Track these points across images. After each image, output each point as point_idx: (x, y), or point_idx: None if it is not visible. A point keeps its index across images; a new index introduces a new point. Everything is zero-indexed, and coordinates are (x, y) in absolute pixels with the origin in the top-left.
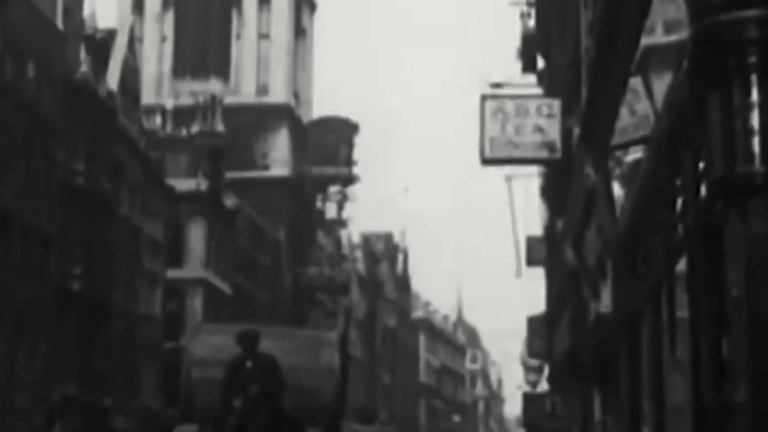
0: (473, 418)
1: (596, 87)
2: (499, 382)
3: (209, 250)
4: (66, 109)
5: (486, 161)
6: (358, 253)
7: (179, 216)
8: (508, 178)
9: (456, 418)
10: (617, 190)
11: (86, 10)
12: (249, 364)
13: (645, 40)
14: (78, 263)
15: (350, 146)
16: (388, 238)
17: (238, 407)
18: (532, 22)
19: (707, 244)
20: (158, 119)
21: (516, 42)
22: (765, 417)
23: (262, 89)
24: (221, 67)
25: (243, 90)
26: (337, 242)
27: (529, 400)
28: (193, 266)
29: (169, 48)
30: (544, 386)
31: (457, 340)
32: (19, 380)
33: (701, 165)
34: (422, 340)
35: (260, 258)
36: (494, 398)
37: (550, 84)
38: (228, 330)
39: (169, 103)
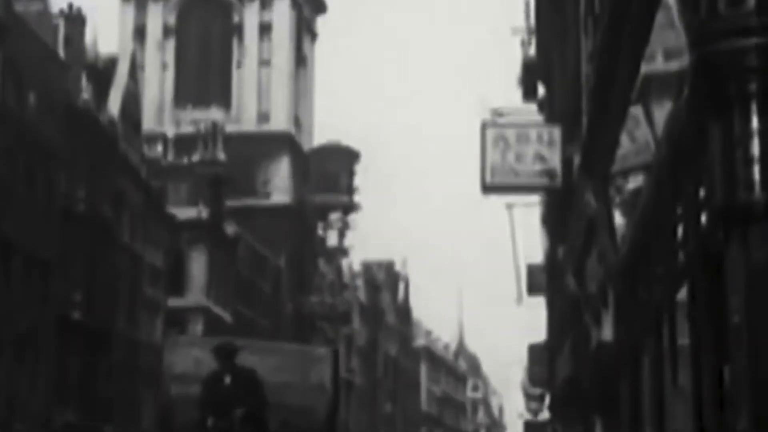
0: None
1: (597, 114)
2: (501, 410)
3: (210, 278)
4: (67, 137)
5: (487, 189)
6: (360, 282)
7: (180, 244)
8: (509, 206)
9: None
10: (618, 217)
11: (88, 38)
12: (228, 379)
13: (645, 68)
14: (79, 291)
15: (351, 174)
16: (389, 266)
17: (211, 426)
18: (532, 50)
19: (708, 272)
20: (159, 147)
21: (517, 70)
22: None
23: (264, 117)
24: (222, 95)
25: (244, 118)
26: (338, 270)
27: (531, 428)
28: (194, 294)
29: (170, 76)
30: (545, 414)
31: (459, 369)
32: (20, 407)
33: (702, 193)
34: (423, 368)
35: (261, 286)
36: (496, 427)
37: (550, 111)
38: (209, 343)
39: (171, 131)
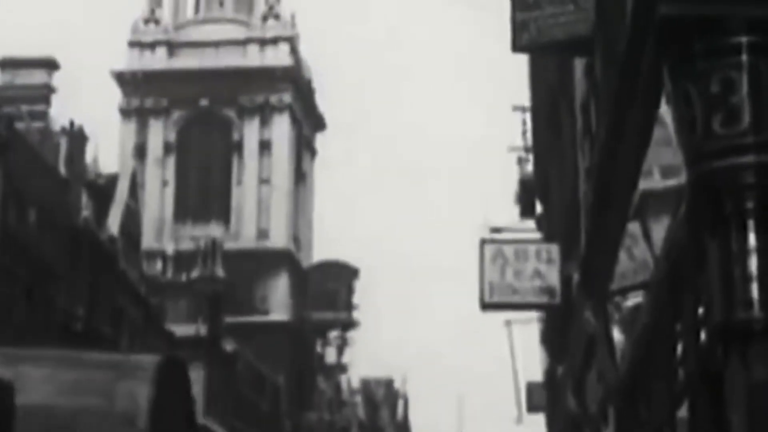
0: None
1: (595, 232)
2: None
3: (209, 396)
4: (67, 254)
5: (486, 306)
6: (358, 398)
7: None
8: (508, 323)
9: None
10: (617, 335)
11: (89, 156)
12: None
13: (642, 185)
14: None
15: (350, 291)
16: (388, 383)
17: None
18: (530, 167)
19: (708, 390)
20: (159, 264)
21: (514, 187)
22: None
23: (263, 234)
24: (222, 212)
25: (243, 235)
26: (337, 387)
27: None
28: None
29: (170, 193)
30: None
31: None
32: None
33: (701, 310)
34: None
35: (260, 403)
36: None
37: (548, 229)
38: None
39: (170, 248)
